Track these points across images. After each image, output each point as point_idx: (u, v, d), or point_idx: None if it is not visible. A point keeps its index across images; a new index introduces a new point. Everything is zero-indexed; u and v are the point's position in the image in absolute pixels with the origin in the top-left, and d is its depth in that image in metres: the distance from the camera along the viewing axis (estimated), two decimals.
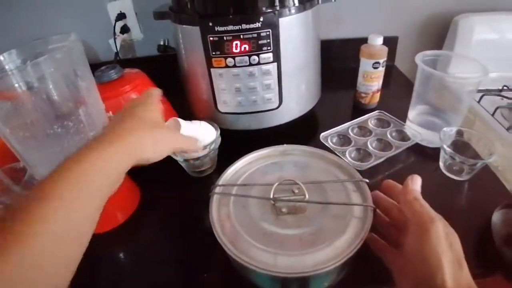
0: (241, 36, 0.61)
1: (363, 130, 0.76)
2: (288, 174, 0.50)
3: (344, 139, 0.74)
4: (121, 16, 0.99)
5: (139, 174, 0.66)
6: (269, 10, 0.60)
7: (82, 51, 0.52)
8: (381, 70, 0.79)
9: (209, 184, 0.56)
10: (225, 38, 0.61)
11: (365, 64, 0.78)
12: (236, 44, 0.61)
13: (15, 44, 0.52)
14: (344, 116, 0.81)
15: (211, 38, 0.61)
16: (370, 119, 0.78)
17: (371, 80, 0.79)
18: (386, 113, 0.79)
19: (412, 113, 0.76)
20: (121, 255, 0.58)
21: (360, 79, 0.81)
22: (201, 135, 0.61)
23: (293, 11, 0.63)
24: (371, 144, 0.71)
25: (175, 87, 0.75)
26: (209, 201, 0.49)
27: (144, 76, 0.72)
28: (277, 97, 0.68)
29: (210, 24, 0.60)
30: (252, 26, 0.60)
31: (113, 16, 0.99)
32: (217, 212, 0.47)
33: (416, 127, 0.74)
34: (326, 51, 0.83)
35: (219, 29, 0.60)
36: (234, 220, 0.45)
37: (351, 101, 0.87)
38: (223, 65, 0.64)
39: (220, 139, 0.66)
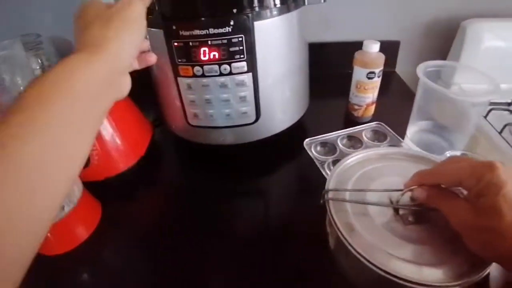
0: (209, 42, 0.50)
1: (353, 141, 0.66)
2: (398, 179, 0.42)
3: (329, 149, 0.64)
4: None
5: (98, 188, 0.58)
6: (241, 12, 0.48)
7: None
8: (377, 80, 0.66)
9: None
10: (191, 43, 0.50)
11: (358, 73, 0.66)
12: (204, 51, 0.50)
13: None
14: (336, 127, 0.69)
15: (175, 44, 0.50)
16: (365, 130, 0.67)
17: (364, 92, 0.67)
18: (385, 126, 0.67)
19: (411, 129, 0.65)
20: (86, 278, 0.49)
21: (353, 89, 0.69)
22: None
23: (272, 13, 0.51)
24: None
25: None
26: (321, 208, 0.42)
27: None
28: (253, 111, 0.57)
29: (174, 27, 0.49)
30: (221, 30, 0.48)
31: None
32: (339, 221, 0.39)
33: (414, 147, 0.63)
34: (316, 55, 0.71)
35: (183, 34, 0.49)
36: (360, 230, 0.38)
37: (344, 111, 0.75)
38: (191, 74, 0.53)
39: None
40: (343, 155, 0.61)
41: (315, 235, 0.48)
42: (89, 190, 0.56)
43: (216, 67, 0.51)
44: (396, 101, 0.82)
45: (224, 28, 0.48)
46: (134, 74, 0.40)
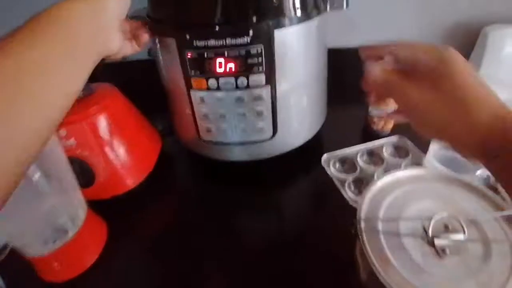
0: (226, 53, 0.45)
1: (374, 157, 0.61)
2: (432, 205, 0.40)
3: (349, 166, 0.60)
4: None
5: (103, 206, 0.54)
6: (261, 21, 0.44)
7: None
8: None
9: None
10: (206, 55, 0.45)
11: None
12: (220, 62, 0.46)
13: None
14: (354, 141, 0.65)
15: (188, 54, 0.46)
16: (386, 145, 0.63)
17: (385, 104, 0.62)
18: (406, 140, 0.63)
19: (434, 145, 0.60)
20: None
21: None
22: None
23: (293, 21, 0.46)
24: (378, 177, 0.56)
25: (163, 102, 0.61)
26: (354, 238, 0.41)
27: (115, 93, 0.57)
28: (270, 126, 0.52)
29: (188, 37, 0.45)
30: (239, 40, 0.44)
31: None
32: (374, 255, 0.36)
33: (437, 164, 0.58)
34: (334, 61, 0.66)
35: (198, 44, 0.45)
36: (396, 265, 0.35)
37: (363, 122, 0.70)
38: (205, 87, 0.48)
39: None
40: (364, 173, 0.57)
41: (334, 258, 0.45)
42: (93, 208, 0.52)
43: (232, 80, 0.47)
44: None
45: (242, 38, 0.44)
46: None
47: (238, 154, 0.56)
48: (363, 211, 0.41)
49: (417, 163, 0.59)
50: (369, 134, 0.67)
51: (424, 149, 0.61)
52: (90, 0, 0.33)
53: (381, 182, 0.44)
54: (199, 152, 0.59)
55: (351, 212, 0.51)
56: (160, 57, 0.53)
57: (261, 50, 0.45)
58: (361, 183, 0.55)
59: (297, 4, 0.46)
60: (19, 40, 0.26)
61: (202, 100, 0.50)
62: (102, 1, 0.34)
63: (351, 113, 0.75)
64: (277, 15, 0.45)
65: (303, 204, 0.57)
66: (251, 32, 0.43)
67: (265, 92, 0.48)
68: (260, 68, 0.46)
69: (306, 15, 0.48)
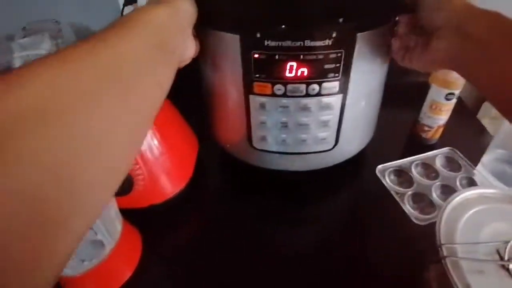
0: (301, 57, 0.39)
1: (427, 170, 0.58)
2: (503, 227, 0.39)
3: (404, 178, 0.56)
4: (131, 0, 0.76)
5: (136, 215, 0.49)
6: (348, 22, 0.38)
7: None
8: (454, 102, 0.58)
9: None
10: (277, 56, 0.40)
11: (436, 93, 0.57)
12: (292, 66, 0.40)
13: None
14: (402, 150, 0.63)
15: (256, 55, 0.40)
16: (437, 157, 0.59)
17: (440, 113, 0.59)
18: (457, 152, 0.60)
19: (488, 157, 0.57)
20: None
21: (425, 109, 0.60)
22: None
23: (376, 22, 0.41)
24: (435, 191, 0.53)
25: (196, 100, 0.54)
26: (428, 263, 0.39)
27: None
28: (333, 137, 0.47)
29: (258, 35, 0.39)
30: (319, 43, 0.38)
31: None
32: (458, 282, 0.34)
33: (488, 176, 0.56)
34: None
35: (270, 44, 0.39)
36: None
37: (409, 129, 0.65)
38: (269, 92, 0.42)
39: None
40: (421, 187, 0.54)
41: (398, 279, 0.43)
42: (125, 217, 0.47)
43: (303, 86, 0.41)
44: (461, 125, 0.72)
45: (324, 41, 0.38)
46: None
47: (292, 165, 0.51)
48: (442, 236, 0.38)
49: (469, 176, 0.56)
50: (416, 142, 0.63)
51: (473, 158, 0.58)
52: (167, 5, 0.33)
53: (452, 204, 0.42)
54: (245, 160, 0.53)
55: (408, 228, 0.48)
56: (210, 55, 0.47)
57: (341, 54, 0.39)
58: (419, 198, 0.52)
59: (383, 3, 0.41)
60: (114, 33, 0.25)
61: (262, 106, 0.44)
62: (176, 4, 0.34)
63: (396, 118, 0.70)
64: (363, 15, 0.39)
65: (355, 217, 0.54)
66: (334, 34, 0.38)
67: (336, 100, 0.43)
68: (336, 74, 0.41)
69: (388, 17, 0.43)
